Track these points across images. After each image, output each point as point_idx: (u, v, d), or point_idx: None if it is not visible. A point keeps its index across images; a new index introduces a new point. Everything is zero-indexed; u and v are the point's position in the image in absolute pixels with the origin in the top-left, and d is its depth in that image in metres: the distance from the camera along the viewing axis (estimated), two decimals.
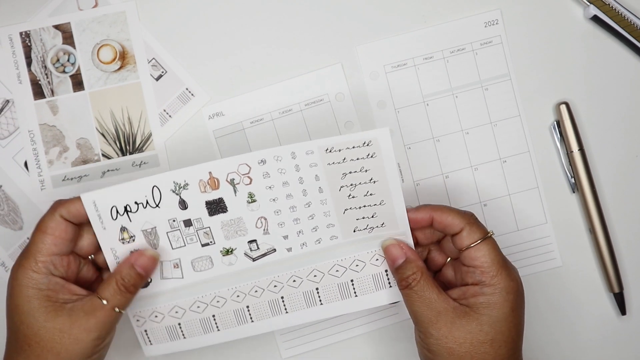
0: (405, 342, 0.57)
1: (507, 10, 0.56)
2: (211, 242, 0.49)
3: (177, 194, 0.48)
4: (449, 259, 0.50)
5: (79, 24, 0.55)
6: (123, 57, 0.55)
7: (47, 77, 0.55)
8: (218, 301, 0.51)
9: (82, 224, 0.48)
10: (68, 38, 0.55)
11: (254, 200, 0.48)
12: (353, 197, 0.49)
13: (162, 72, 0.56)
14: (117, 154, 0.56)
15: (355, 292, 0.51)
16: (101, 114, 0.56)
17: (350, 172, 0.48)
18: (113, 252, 0.48)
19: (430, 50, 0.56)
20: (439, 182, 0.56)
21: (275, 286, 0.51)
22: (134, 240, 0.48)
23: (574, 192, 0.57)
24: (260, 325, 0.51)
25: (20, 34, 0.55)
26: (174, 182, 0.47)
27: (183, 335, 0.51)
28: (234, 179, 0.48)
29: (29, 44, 0.55)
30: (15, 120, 0.55)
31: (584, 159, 0.56)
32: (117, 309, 0.46)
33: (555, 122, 0.56)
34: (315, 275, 0.51)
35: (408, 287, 0.46)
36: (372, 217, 0.49)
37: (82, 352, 0.46)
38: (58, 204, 0.47)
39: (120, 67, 0.55)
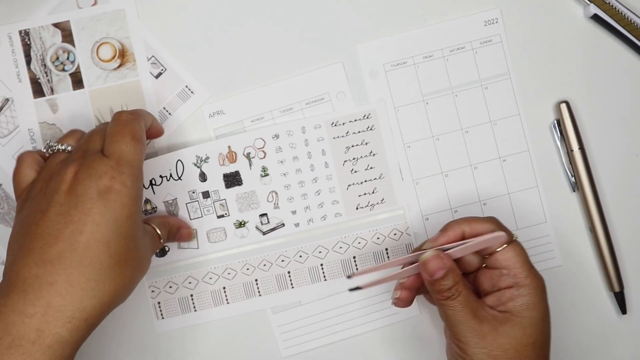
0: (406, 341, 0.57)
1: (507, 9, 0.56)
2: (226, 214, 0.54)
3: (198, 167, 0.54)
4: (484, 264, 0.48)
5: (78, 22, 0.55)
6: (122, 55, 0.55)
7: (47, 76, 0.55)
8: (229, 273, 0.54)
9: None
10: (67, 36, 0.55)
11: (267, 174, 0.54)
12: (355, 172, 0.54)
13: (162, 69, 0.56)
14: None
15: (357, 269, 0.55)
16: (101, 112, 0.56)
17: (352, 146, 0.54)
18: None
19: (430, 49, 0.56)
20: (439, 181, 0.56)
21: (282, 260, 0.55)
22: (155, 211, 0.54)
23: (574, 191, 0.57)
24: (267, 299, 0.55)
25: (20, 32, 0.55)
26: (196, 155, 0.53)
27: (194, 307, 0.55)
28: (249, 153, 0.54)
29: (28, 42, 0.55)
30: (14, 119, 0.55)
31: (584, 158, 0.56)
32: (161, 240, 0.50)
33: (555, 121, 0.56)
34: (320, 252, 0.55)
35: (450, 299, 0.45)
36: (373, 192, 0.54)
37: (142, 276, 0.46)
38: (133, 117, 0.46)
39: (120, 65, 0.55)
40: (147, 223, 0.49)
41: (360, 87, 0.56)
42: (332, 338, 0.56)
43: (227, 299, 0.55)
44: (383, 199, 0.55)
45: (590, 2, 0.55)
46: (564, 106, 0.56)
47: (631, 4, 0.56)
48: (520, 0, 0.56)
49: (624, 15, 0.55)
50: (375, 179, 0.55)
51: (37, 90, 0.55)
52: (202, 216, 0.54)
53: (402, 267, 0.49)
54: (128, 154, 0.44)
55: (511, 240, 0.46)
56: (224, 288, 0.55)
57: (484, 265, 0.48)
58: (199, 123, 0.56)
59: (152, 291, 0.55)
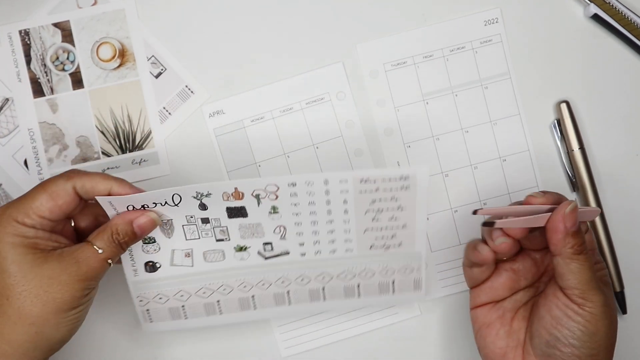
0: (406, 341, 0.56)
1: (507, 8, 0.56)
2: (226, 238, 0.49)
3: (198, 199, 0.47)
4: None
5: (78, 22, 0.55)
6: (122, 55, 0.55)
7: (47, 75, 0.55)
8: (225, 289, 0.51)
9: (89, 200, 0.46)
10: (67, 36, 0.55)
11: (277, 212, 0.48)
12: (377, 220, 0.49)
13: (162, 69, 0.56)
14: (117, 152, 0.56)
15: (359, 294, 0.52)
16: (101, 111, 0.56)
17: (379, 200, 0.48)
18: None
19: (430, 48, 0.56)
20: (439, 181, 0.56)
21: (282, 282, 0.51)
22: None
23: (574, 190, 0.57)
24: (262, 312, 0.52)
25: (20, 32, 0.55)
26: (196, 191, 0.46)
27: (185, 315, 0.52)
28: (259, 195, 0.47)
29: (28, 42, 0.55)
30: (14, 119, 0.55)
31: (585, 157, 0.56)
32: (109, 261, 0.45)
33: (555, 121, 0.56)
34: (323, 277, 0.51)
35: (582, 254, 0.44)
36: (392, 237, 0.50)
37: (70, 301, 0.43)
38: (75, 174, 0.45)
39: (120, 65, 0.55)
40: (87, 241, 0.45)
41: (360, 87, 0.56)
42: (332, 338, 0.56)
43: (220, 311, 0.52)
44: (401, 243, 0.50)
45: (591, 1, 0.55)
46: (564, 106, 0.56)
47: (631, 4, 0.56)
48: (520, 0, 0.56)
49: (624, 15, 0.55)
50: (397, 228, 0.50)
51: (37, 90, 0.55)
52: (199, 238, 0.49)
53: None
54: None
55: (588, 226, 0.48)
56: (218, 301, 0.51)
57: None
58: (199, 123, 0.56)
59: (140, 300, 0.51)
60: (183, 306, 0.51)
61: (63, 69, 0.55)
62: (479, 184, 0.56)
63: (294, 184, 0.47)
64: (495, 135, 0.56)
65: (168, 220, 0.48)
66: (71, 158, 0.55)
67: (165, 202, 0.47)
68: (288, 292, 0.52)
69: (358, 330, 0.56)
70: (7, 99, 0.55)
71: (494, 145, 0.56)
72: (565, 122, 0.56)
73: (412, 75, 0.56)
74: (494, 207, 0.47)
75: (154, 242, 0.49)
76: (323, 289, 0.52)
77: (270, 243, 0.50)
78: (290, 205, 0.48)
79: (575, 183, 0.56)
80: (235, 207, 0.48)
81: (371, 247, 0.50)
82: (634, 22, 0.55)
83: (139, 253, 0.49)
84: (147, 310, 0.51)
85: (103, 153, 0.56)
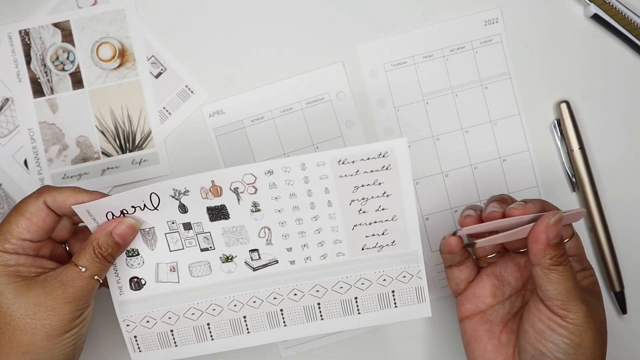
0: (406, 342, 0.56)
1: (507, 8, 0.56)
2: (211, 247, 0.47)
3: (176, 199, 0.46)
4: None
5: (78, 22, 0.55)
6: (122, 55, 0.55)
7: (47, 75, 0.55)
8: (214, 309, 0.49)
9: (64, 215, 0.46)
10: (67, 36, 0.55)
11: (258, 210, 0.46)
12: (364, 213, 0.47)
13: (162, 69, 0.56)
14: (117, 152, 0.56)
15: (358, 310, 0.49)
16: (101, 111, 0.56)
17: (362, 185, 0.46)
18: None
19: (430, 48, 0.56)
20: (439, 181, 0.56)
21: (275, 298, 0.49)
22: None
23: (574, 190, 0.57)
24: (256, 337, 0.50)
25: (20, 32, 0.55)
26: (173, 188, 0.45)
27: (175, 343, 0.49)
28: (237, 188, 0.46)
29: (28, 42, 0.55)
30: (14, 119, 0.55)
31: (585, 157, 0.56)
32: (96, 277, 0.44)
33: (555, 121, 0.56)
34: (317, 291, 0.49)
35: (562, 265, 0.43)
36: (383, 234, 0.47)
37: (60, 326, 0.43)
38: (45, 190, 0.45)
39: (120, 65, 0.55)
40: (74, 263, 0.45)
41: (361, 87, 0.56)
42: (332, 338, 0.56)
43: (211, 336, 0.49)
44: (394, 241, 0.47)
45: (591, 1, 0.55)
46: (564, 106, 0.56)
47: (631, 4, 0.56)
48: (520, 0, 0.56)
49: (624, 15, 0.55)
50: (387, 220, 0.47)
51: (37, 90, 0.55)
52: (183, 248, 0.47)
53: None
54: None
55: (574, 231, 0.47)
56: (208, 324, 0.49)
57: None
58: (199, 123, 0.56)
59: (127, 325, 0.49)
60: (172, 331, 0.49)
61: (63, 69, 0.55)
62: (479, 184, 0.56)
63: (270, 172, 0.45)
64: (495, 135, 0.56)
65: (150, 228, 0.47)
66: (71, 158, 0.55)
67: (145, 206, 0.45)
68: (282, 311, 0.49)
69: (359, 330, 0.56)
70: (7, 99, 0.55)
71: (494, 145, 0.56)
72: (565, 122, 0.56)
73: (412, 75, 0.56)
74: (472, 225, 0.46)
75: (138, 254, 0.48)
76: (319, 305, 0.49)
77: (256, 250, 0.48)
78: (271, 199, 0.46)
79: (575, 183, 0.56)
80: (215, 207, 0.46)
81: (363, 248, 0.48)
82: (634, 22, 0.55)
83: (123, 268, 0.48)
84: (135, 337, 0.49)
85: (103, 153, 0.56)
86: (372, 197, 0.46)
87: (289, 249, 0.48)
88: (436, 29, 0.56)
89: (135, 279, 0.48)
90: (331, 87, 0.56)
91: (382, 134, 0.56)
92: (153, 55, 0.56)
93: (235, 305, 0.49)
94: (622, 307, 0.56)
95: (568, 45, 0.57)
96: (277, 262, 0.48)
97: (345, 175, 0.46)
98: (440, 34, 0.56)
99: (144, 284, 0.48)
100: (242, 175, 0.45)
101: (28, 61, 0.55)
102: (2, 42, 0.55)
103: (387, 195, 0.46)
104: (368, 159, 0.45)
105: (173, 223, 0.47)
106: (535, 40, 0.56)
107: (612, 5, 0.55)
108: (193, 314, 0.49)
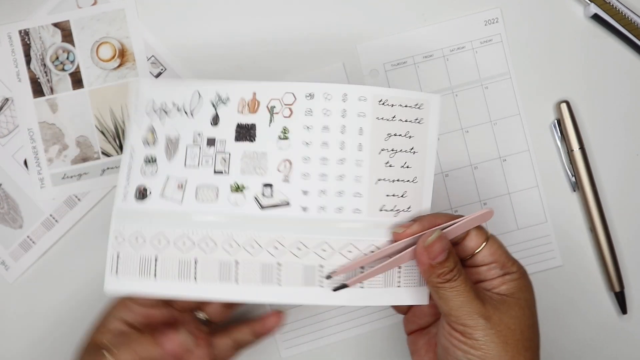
0: (405, 342, 0.56)
1: (507, 8, 0.56)
2: (225, 171, 0.45)
3: (214, 107, 0.45)
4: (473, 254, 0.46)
5: (78, 21, 0.55)
6: (122, 55, 0.55)
7: (47, 75, 0.55)
8: (207, 244, 0.45)
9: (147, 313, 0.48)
10: (67, 36, 0.55)
11: (286, 137, 0.45)
12: (390, 166, 0.45)
13: (162, 69, 0.56)
14: (117, 152, 0.56)
15: (361, 284, 0.45)
16: (100, 111, 0.56)
17: (395, 134, 0.45)
18: (130, 153, 0.46)
19: (430, 48, 0.56)
20: (439, 181, 0.56)
21: (275, 248, 0.45)
22: (155, 144, 0.46)
23: (574, 190, 0.57)
24: (244, 289, 0.45)
25: (20, 32, 0.55)
26: (216, 93, 0.45)
27: (155, 273, 0.45)
28: (274, 107, 0.44)
29: (28, 42, 0.55)
30: (14, 119, 0.55)
31: (585, 157, 0.56)
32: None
33: (555, 121, 0.56)
34: (324, 250, 0.45)
35: (452, 280, 0.42)
36: (402, 196, 0.45)
37: None
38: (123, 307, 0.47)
39: (120, 65, 0.55)
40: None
41: None
42: (332, 338, 0.56)
43: (195, 275, 0.45)
44: (410, 207, 0.46)
45: (591, 1, 0.55)
46: (564, 106, 0.56)
47: (631, 4, 0.56)
48: (520, 0, 0.56)
49: (624, 15, 0.55)
50: (408, 181, 0.45)
51: (37, 90, 0.55)
52: (198, 165, 0.45)
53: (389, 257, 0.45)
54: None
55: (488, 237, 0.45)
56: (196, 261, 0.45)
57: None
58: None
59: (116, 237, 0.45)
60: (156, 258, 0.45)
61: (63, 69, 0.55)
62: (479, 184, 0.56)
63: (311, 95, 0.44)
64: (495, 135, 0.56)
65: (176, 138, 0.45)
66: (71, 158, 0.55)
67: (183, 108, 0.45)
68: (279, 265, 0.45)
69: (358, 330, 0.56)
70: (7, 99, 0.55)
71: (494, 145, 0.56)
72: (565, 122, 0.56)
73: (412, 75, 0.56)
74: (350, 261, 0.45)
75: (155, 162, 0.46)
76: (321, 267, 0.45)
77: (270, 186, 0.45)
78: (303, 128, 0.45)
79: (575, 183, 0.56)
80: (245, 126, 0.45)
81: (381, 209, 0.45)
82: (634, 22, 0.55)
83: (135, 173, 0.46)
84: (118, 255, 0.45)
85: (103, 153, 0.55)
86: (401, 151, 0.45)
87: (305, 192, 0.45)
88: (436, 29, 0.56)
89: (143, 188, 0.46)
90: None
91: None
92: (153, 55, 0.56)
93: (230, 246, 0.45)
94: (622, 307, 0.56)
95: (568, 45, 0.57)
96: (288, 204, 0.45)
97: (383, 119, 0.45)
98: (440, 34, 0.56)
99: (149, 195, 0.46)
100: (283, 93, 0.45)
101: (28, 61, 0.55)
102: (2, 42, 0.55)
103: (414, 152, 0.46)
104: (406, 106, 0.45)
105: (199, 135, 0.45)
106: (535, 40, 0.56)
107: (612, 5, 0.55)
108: (184, 243, 0.45)
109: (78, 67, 0.55)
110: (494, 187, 0.56)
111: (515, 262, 0.45)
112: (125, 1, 0.55)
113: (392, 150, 0.45)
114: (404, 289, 0.46)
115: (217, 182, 0.45)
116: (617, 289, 0.56)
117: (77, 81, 0.55)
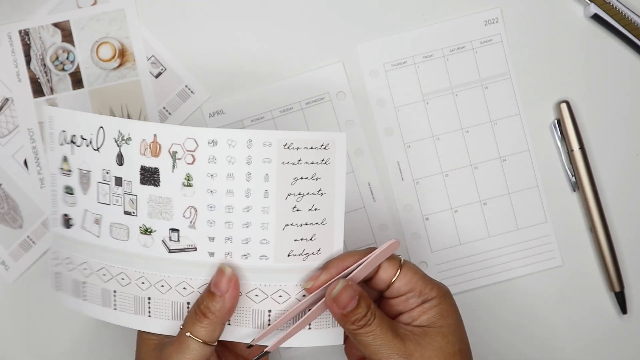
0: None
1: (507, 8, 0.56)
2: (134, 212, 0.45)
3: (118, 145, 0.44)
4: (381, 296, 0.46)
5: (78, 21, 0.55)
6: (122, 55, 0.55)
7: (47, 75, 0.55)
8: (123, 279, 0.46)
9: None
10: (67, 36, 0.55)
11: (190, 185, 0.43)
12: (297, 211, 0.44)
13: (162, 69, 0.56)
14: None
15: (269, 323, 0.45)
16: (100, 111, 0.56)
17: (301, 178, 0.44)
18: (53, 179, 0.47)
19: (430, 48, 0.56)
20: (439, 181, 0.56)
21: (184, 288, 0.45)
22: (70, 175, 0.46)
23: (574, 190, 0.57)
24: (156, 323, 0.46)
25: (20, 32, 0.55)
26: (119, 130, 0.43)
27: (84, 296, 0.47)
28: (176, 152, 0.43)
29: (28, 42, 0.55)
30: (14, 119, 0.55)
31: (585, 157, 0.56)
32: (187, 334, 0.43)
33: (555, 121, 0.56)
34: None
35: (367, 325, 0.42)
36: (311, 239, 0.45)
37: None
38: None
39: (120, 65, 0.55)
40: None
41: (360, 87, 0.56)
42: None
43: (115, 304, 0.46)
44: (320, 250, 0.45)
45: (591, 1, 0.55)
46: (564, 106, 0.56)
47: (631, 4, 0.56)
48: (520, 0, 0.56)
49: (625, 15, 0.55)
50: (317, 223, 0.44)
51: (37, 90, 0.55)
52: (109, 204, 0.45)
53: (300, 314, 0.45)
54: None
55: (401, 263, 0.44)
56: (115, 292, 0.46)
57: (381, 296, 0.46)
58: (199, 123, 0.56)
59: (53, 258, 0.48)
60: (84, 283, 0.47)
61: (63, 69, 0.55)
62: (479, 184, 0.56)
63: (214, 142, 0.43)
64: (495, 135, 0.56)
65: (87, 171, 0.45)
66: None
67: (90, 142, 0.44)
68: (188, 304, 0.45)
69: None
70: (7, 99, 0.55)
71: (494, 145, 0.56)
72: (565, 122, 0.56)
73: (412, 75, 0.56)
74: (265, 329, 0.45)
75: (73, 193, 0.46)
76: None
77: (177, 231, 0.44)
78: (206, 176, 0.43)
79: (575, 183, 0.56)
80: (149, 169, 0.44)
81: (289, 254, 0.44)
82: (634, 22, 0.55)
83: (60, 202, 0.47)
84: (57, 273, 0.48)
85: None
86: (308, 194, 0.44)
87: (211, 239, 0.44)
88: (436, 29, 0.56)
89: (66, 217, 0.47)
90: (331, 87, 0.56)
91: (382, 134, 0.56)
92: (153, 55, 0.56)
93: (143, 283, 0.46)
94: (622, 307, 0.56)
95: (568, 45, 0.57)
96: (195, 249, 0.44)
97: (288, 163, 0.44)
98: (440, 34, 0.56)
99: (72, 225, 0.47)
100: (184, 138, 0.43)
101: (28, 61, 0.55)
102: (2, 42, 0.55)
103: (322, 194, 0.45)
104: (312, 147, 0.44)
105: (107, 173, 0.45)
106: (535, 40, 0.56)
107: (612, 5, 0.55)
108: (104, 275, 0.46)
109: (78, 67, 0.55)
110: (493, 187, 0.56)
111: (434, 285, 0.44)
112: (125, 1, 0.55)
113: (299, 194, 0.44)
114: (316, 331, 0.46)
115: (128, 222, 0.45)
116: (617, 289, 0.56)
117: (77, 81, 0.55)
